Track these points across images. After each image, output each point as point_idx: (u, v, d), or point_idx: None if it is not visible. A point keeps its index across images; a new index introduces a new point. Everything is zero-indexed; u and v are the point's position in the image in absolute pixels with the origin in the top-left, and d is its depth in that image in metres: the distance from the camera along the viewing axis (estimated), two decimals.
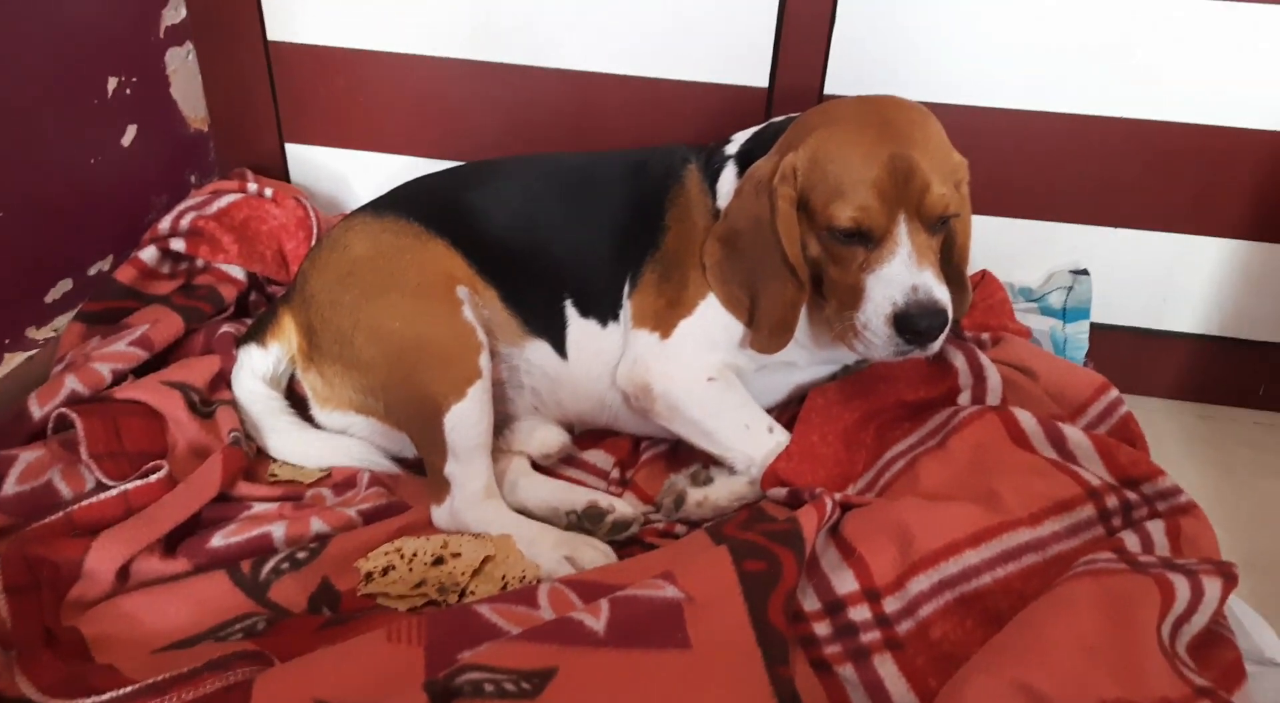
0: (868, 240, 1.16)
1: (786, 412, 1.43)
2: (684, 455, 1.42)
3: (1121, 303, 1.78)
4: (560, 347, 1.40)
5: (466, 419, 1.27)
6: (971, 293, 1.29)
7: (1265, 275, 1.71)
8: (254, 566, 1.17)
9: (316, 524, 1.25)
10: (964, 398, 1.34)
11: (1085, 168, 1.68)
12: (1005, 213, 1.75)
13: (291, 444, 1.41)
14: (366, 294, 1.32)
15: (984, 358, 1.36)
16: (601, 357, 1.38)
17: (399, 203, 1.43)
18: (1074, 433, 1.21)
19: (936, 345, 1.16)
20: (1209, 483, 1.65)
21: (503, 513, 1.30)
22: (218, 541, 1.21)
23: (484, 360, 1.30)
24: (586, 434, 1.52)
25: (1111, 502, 1.13)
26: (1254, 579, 1.44)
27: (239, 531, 1.23)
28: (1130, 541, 1.08)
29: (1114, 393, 1.33)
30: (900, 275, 1.13)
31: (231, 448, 1.31)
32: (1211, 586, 0.98)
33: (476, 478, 1.29)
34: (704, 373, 1.30)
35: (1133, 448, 1.24)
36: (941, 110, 1.49)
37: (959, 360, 1.37)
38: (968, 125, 1.66)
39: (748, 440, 1.28)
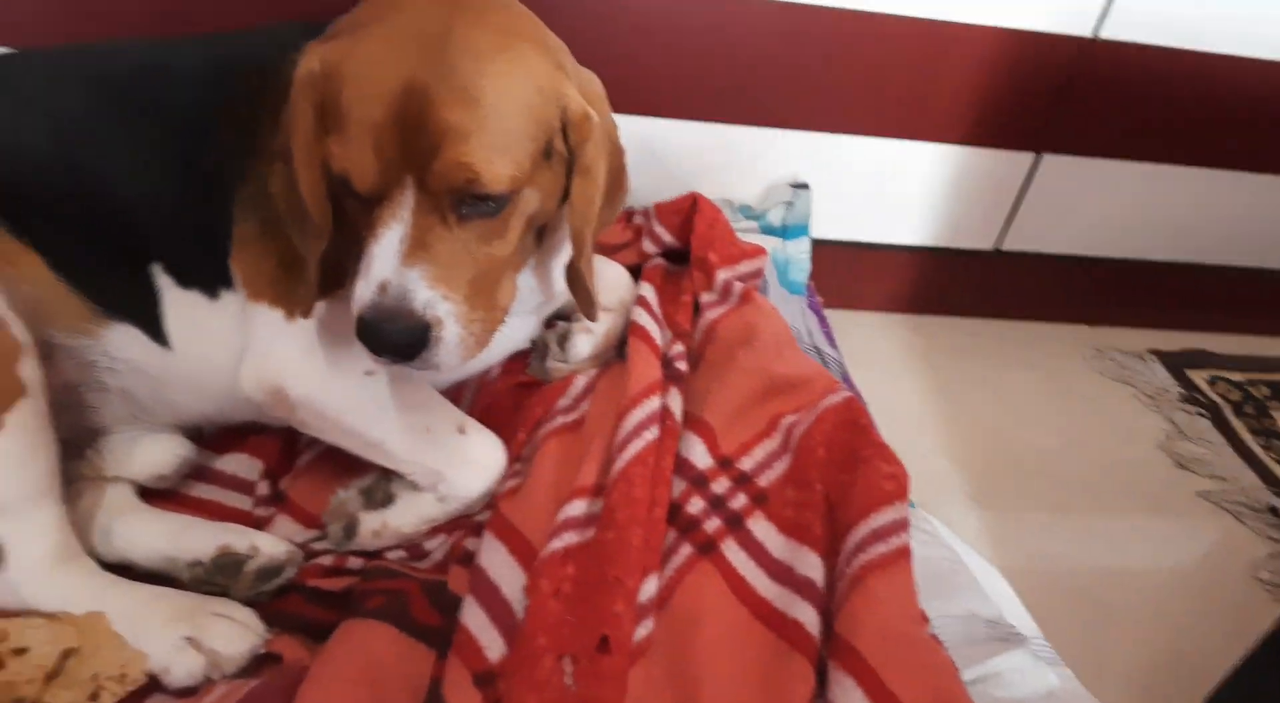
0: (367, 201, 0.82)
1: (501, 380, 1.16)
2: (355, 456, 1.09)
3: (839, 216, 1.66)
4: (156, 331, 0.99)
5: (9, 459, 0.86)
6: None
7: (974, 181, 1.66)
8: None
9: None
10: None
11: (802, 65, 1.50)
12: (718, 117, 1.54)
13: None
14: None
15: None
16: (221, 341, 0.99)
17: None
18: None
19: (431, 366, 0.82)
20: (929, 403, 1.61)
21: (89, 580, 0.92)
22: None
23: (27, 368, 0.88)
24: (222, 432, 1.14)
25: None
26: (985, 503, 1.42)
27: None
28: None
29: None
30: (376, 263, 0.80)
31: None
32: None
33: (42, 536, 0.90)
34: (355, 363, 0.96)
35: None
36: None
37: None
38: (668, 14, 1.40)
39: (431, 450, 0.99)
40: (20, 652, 0.86)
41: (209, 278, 0.98)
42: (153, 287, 0.98)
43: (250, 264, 0.97)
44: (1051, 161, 1.67)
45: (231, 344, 0.99)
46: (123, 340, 0.99)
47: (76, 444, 1.01)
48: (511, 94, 0.81)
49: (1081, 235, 1.79)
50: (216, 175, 0.96)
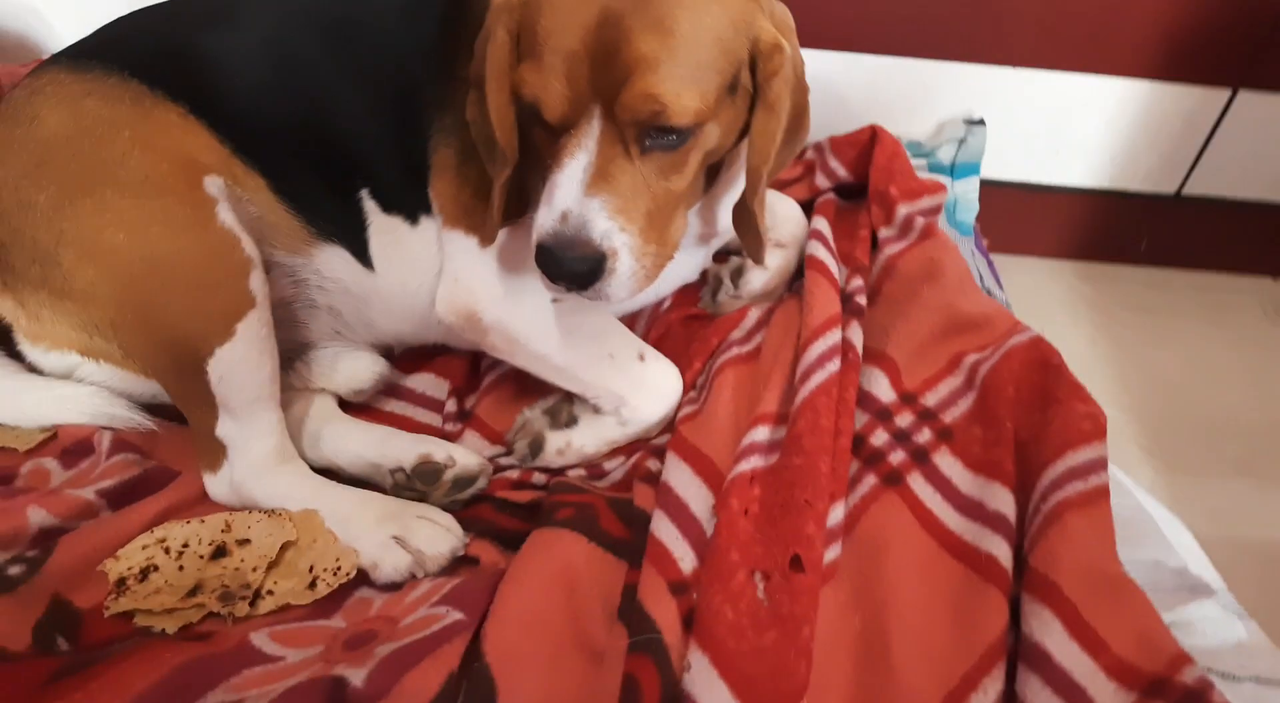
0: (554, 130, 0.84)
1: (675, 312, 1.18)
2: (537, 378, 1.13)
3: (1009, 155, 1.60)
4: (362, 253, 1.05)
5: (239, 364, 0.94)
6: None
7: (1160, 119, 1.56)
8: None
9: (38, 516, 0.91)
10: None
11: None
12: (889, 50, 1.49)
13: None
14: (70, 193, 0.92)
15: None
16: (418, 265, 1.05)
17: (108, 49, 1.00)
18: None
19: (603, 296, 0.84)
20: (1099, 353, 1.55)
21: (304, 480, 1.00)
22: None
23: (256, 282, 0.95)
24: (411, 352, 1.20)
25: None
26: (1160, 457, 1.37)
27: None
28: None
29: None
30: (559, 192, 0.82)
31: None
32: None
33: (263, 437, 0.98)
34: (545, 292, 1.00)
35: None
36: None
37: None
38: None
39: (614, 375, 1.02)
40: (244, 543, 0.95)
41: (410, 204, 1.03)
42: (361, 211, 1.03)
43: (447, 192, 1.01)
44: (1249, 99, 1.55)
45: (429, 268, 1.05)
46: (332, 261, 1.05)
47: (287, 358, 1.09)
48: (704, 25, 0.80)
49: (1274, 180, 1.67)
50: (417, 105, 1.00)
